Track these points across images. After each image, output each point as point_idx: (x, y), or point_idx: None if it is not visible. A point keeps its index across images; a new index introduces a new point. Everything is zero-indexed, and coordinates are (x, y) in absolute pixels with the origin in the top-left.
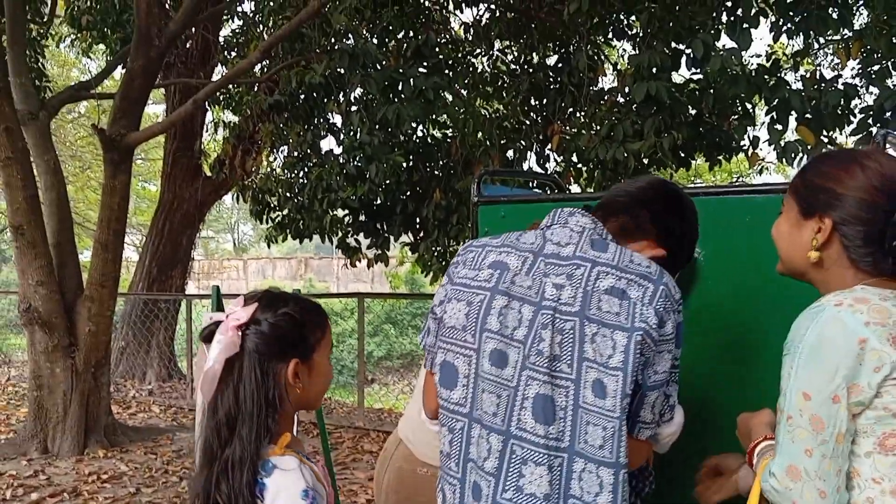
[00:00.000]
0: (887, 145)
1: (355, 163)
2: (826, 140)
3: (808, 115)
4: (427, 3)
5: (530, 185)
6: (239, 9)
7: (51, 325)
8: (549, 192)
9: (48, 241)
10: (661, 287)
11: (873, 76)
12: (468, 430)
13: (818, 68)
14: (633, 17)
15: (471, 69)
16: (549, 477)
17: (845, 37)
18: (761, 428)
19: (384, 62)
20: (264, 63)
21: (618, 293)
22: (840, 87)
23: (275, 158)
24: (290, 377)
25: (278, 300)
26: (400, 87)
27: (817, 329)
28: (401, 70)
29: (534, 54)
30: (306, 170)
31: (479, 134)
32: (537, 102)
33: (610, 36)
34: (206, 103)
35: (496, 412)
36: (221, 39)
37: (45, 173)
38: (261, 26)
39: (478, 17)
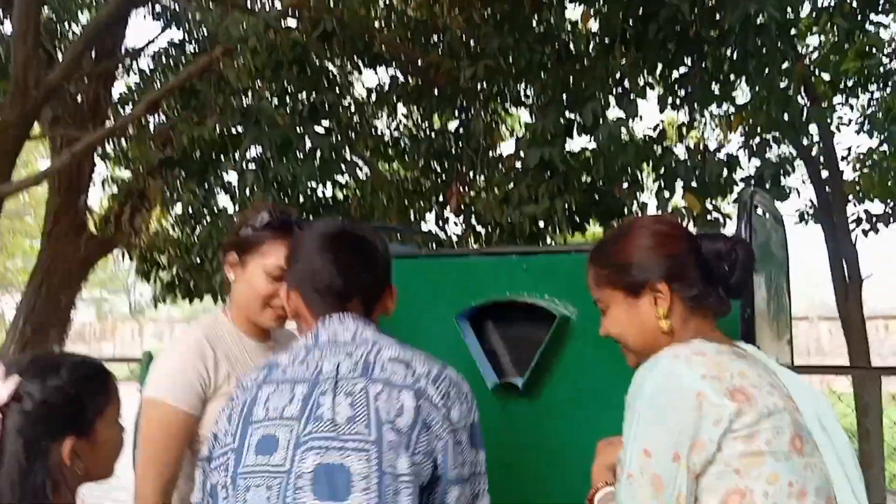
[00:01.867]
0: (755, 205)
1: None
2: (711, 207)
3: (693, 184)
4: (329, 66)
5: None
6: (136, 64)
7: None
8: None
9: None
10: (446, 373)
11: (755, 148)
12: None
13: (702, 140)
14: (528, 86)
15: (373, 131)
16: None
17: (728, 111)
18: (601, 472)
19: (279, 121)
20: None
21: (402, 362)
22: (723, 157)
23: (164, 216)
24: (66, 459)
25: (47, 369)
26: (295, 147)
27: (654, 382)
28: (298, 129)
29: (434, 118)
30: (199, 228)
31: (380, 195)
32: (437, 165)
33: (507, 104)
34: (96, 157)
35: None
36: (117, 95)
37: None
38: (158, 83)
39: (380, 83)
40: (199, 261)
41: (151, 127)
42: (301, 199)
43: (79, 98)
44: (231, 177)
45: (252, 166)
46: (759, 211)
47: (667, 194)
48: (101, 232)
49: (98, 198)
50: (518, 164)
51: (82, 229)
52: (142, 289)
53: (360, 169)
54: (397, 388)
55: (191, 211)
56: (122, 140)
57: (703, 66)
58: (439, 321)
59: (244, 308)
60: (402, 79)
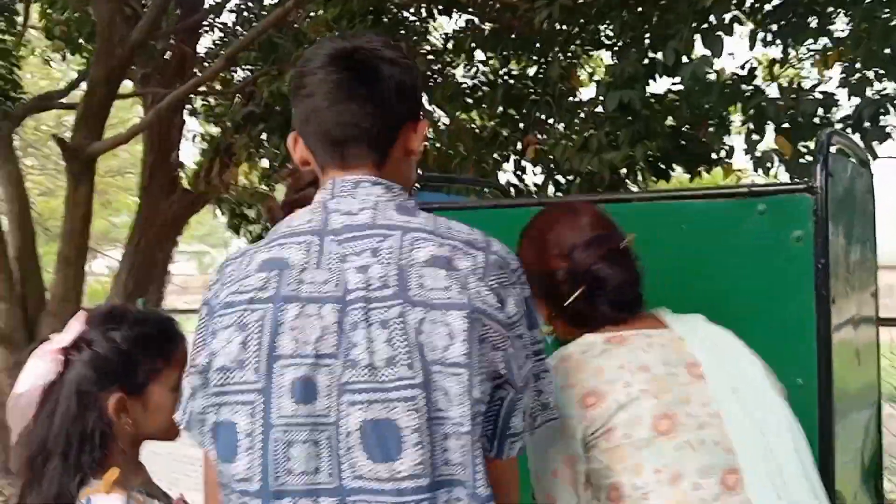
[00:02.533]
0: (831, 146)
1: None
2: (805, 150)
3: (785, 125)
4: (406, 14)
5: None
6: (219, 20)
7: (12, 341)
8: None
9: (9, 255)
10: (491, 257)
11: (854, 86)
12: None
13: (797, 77)
14: (608, 27)
15: (450, 80)
16: None
17: (825, 46)
18: None
19: None
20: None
21: (442, 263)
22: (819, 96)
23: (251, 171)
24: (111, 412)
25: (112, 320)
26: None
27: None
28: None
29: (512, 65)
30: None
31: (460, 146)
32: (515, 112)
33: (587, 46)
34: (187, 114)
35: (319, 467)
36: (203, 51)
37: (6, 185)
38: (241, 37)
39: (456, 29)
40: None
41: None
42: None
43: (166, 55)
44: None
45: None
46: (842, 153)
47: (756, 137)
48: (193, 187)
49: (190, 153)
50: (598, 109)
51: (175, 185)
52: (238, 242)
53: (437, 119)
54: (441, 310)
55: (276, 164)
56: (212, 96)
57: None
58: None
59: None
60: (478, 23)
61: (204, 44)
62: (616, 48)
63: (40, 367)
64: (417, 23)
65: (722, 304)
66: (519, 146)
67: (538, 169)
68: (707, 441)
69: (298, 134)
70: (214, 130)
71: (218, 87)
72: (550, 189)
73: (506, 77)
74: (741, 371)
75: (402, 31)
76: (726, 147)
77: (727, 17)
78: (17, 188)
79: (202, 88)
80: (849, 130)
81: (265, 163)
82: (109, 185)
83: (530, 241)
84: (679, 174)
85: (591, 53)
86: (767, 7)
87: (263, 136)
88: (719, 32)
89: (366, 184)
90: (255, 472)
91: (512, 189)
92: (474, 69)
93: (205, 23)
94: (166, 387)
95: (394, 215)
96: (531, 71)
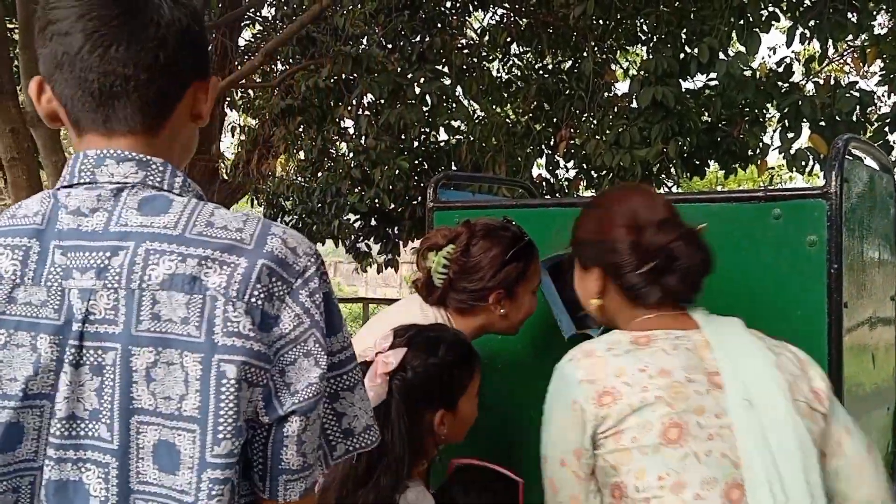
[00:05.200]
0: (850, 150)
1: (363, 167)
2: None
3: (821, 123)
4: (442, 8)
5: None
6: (259, 15)
7: None
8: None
9: None
10: (260, 262)
11: (893, 81)
12: None
13: (833, 74)
14: (644, 22)
15: (485, 73)
16: None
17: (864, 42)
18: None
19: (389, 66)
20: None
21: (183, 284)
22: (856, 93)
23: (288, 163)
24: (437, 428)
25: (430, 345)
26: (405, 92)
27: (552, 385)
28: (408, 74)
29: (546, 59)
30: (319, 174)
31: (493, 140)
32: (548, 107)
33: (622, 41)
34: (225, 107)
35: None
36: (243, 44)
37: (52, 175)
38: (280, 31)
39: (492, 23)
40: (319, 206)
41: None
42: (415, 145)
43: (209, 48)
44: (348, 123)
45: (366, 113)
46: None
47: (791, 135)
48: (232, 178)
49: (229, 145)
50: (632, 105)
51: (215, 175)
52: None
53: (473, 113)
54: (177, 350)
55: (312, 157)
56: (249, 89)
57: None
58: None
59: (505, 329)
60: (513, 18)
61: (244, 37)
62: (651, 44)
63: (371, 391)
64: (454, 17)
65: (736, 307)
66: (552, 141)
67: (570, 164)
68: (714, 453)
69: (45, 80)
70: (253, 122)
71: (257, 80)
72: (582, 185)
73: (540, 71)
74: (761, 385)
75: (439, 25)
76: (761, 144)
77: (764, 13)
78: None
79: (242, 81)
80: (887, 129)
81: (302, 155)
82: None
83: (595, 212)
84: (713, 171)
85: (626, 49)
86: (807, 2)
87: (300, 128)
88: (756, 29)
89: (110, 161)
90: None
91: (543, 184)
92: (509, 63)
93: (245, 16)
94: (471, 397)
95: (131, 217)
96: (566, 66)
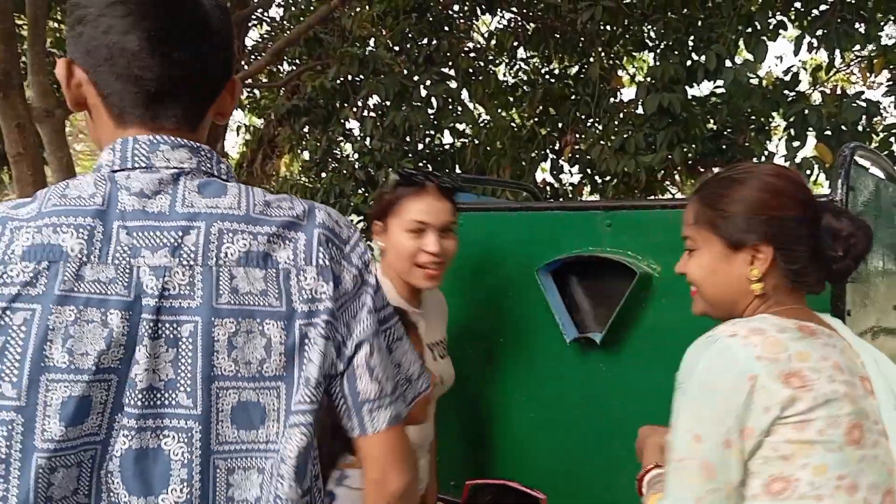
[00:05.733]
0: (856, 159)
1: (367, 168)
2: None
3: (826, 132)
4: (450, 12)
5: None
6: (267, 15)
7: None
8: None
9: None
10: (316, 231)
11: None
12: None
13: (840, 84)
14: (651, 28)
15: (491, 77)
16: None
17: (871, 52)
18: (654, 452)
19: (395, 68)
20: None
21: (258, 260)
22: (863, 103)
23: (293, 163)
24: None
25: None
26: (411, 94)
27: (707, 362)
28: (415, 77)
29: (553, 64)
30: (324, 175)
31: (498, 143)
32: (553, 112)
33: (630, 47)
34: None
35: (77, 489)
36: (249, 44)
37: (57, 171)
38: (288, 32)
39: (499, 27)
40: None
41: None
42: (420, 147)
43: None
44: (353, 125)
45: (371, 114)
46: (864, 164)
47: (797, 143)
48: (237, 176)
49: (234, 144)
50: (637, 111)
51: None
52: None
53: (478, 116)
54: (257, 319)
55: (316, 158)
56: (256, 90)
57: (845, 2)
58: (521, 274)
59: (398, 272)
60: (521, 22)
61: (252, 37)
62: (658, 50)
63: None
64: (461, 20)
65: None
66: (556, 146)
67: (575, 169)
68: (879, 458)
69: (80, 65)
70: (258, 122)
71: (264, 80)
72: (586, 189)
73: (546, 76)
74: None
75: (446, 28)
76: (766, 152)
77: (772, 21)
78: (67, 174)
79: (248, 81)
80: (893, 139)
81: (306, 155)
82: None
83: (757, 185)
84: None
85: (633, 55)
86: (815, 12)
87: (306, 129)
88: (763, 37)
89: (165, 146)
90: (10, 502)
91: (547, 188)
92: (515, 67)
93: (253, 16)
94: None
95: (196, 199)
96: (572, 71)
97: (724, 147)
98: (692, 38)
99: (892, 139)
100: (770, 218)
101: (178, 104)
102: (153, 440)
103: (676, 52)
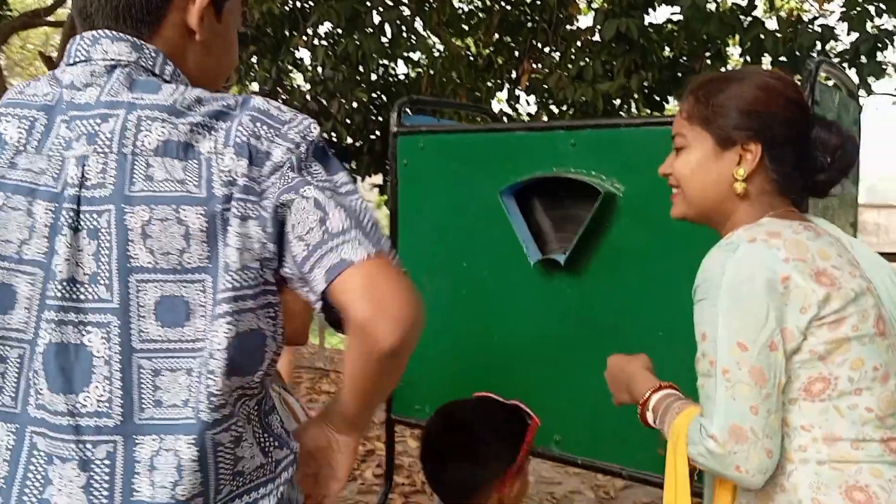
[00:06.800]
0: (820, 75)
1: (319, 99)
2: (799, 83)
3: (782, 58)
4: None
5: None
6: None
7: None
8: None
9: None
10: (245, 116)
11: (853, 18)
12: None
13: (799, 9)
14: None
15: (446, 4)
16: (85, 479)
17: None
18: (645, 377)
19: None
20: None
21: (177, 151)
22: (816, 28)
23: (242, 93)
24: None
25: None
26: (363, 20)
27: (734, 268)
28: (367, 2)
29: None
30: None
31: (454, 73)
32: (510, 40)
33: None
34: None
35: (2, 388)
36: None
37: None
38: None
39: None
40: None
41: None
42: (373, 77)
43: None
44: (303, 54)
45: (323, 42)
46: (831, 83)
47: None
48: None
49: None
50: (595, 38)
51: None
52: None
53: (433, 45)
54: (172, 206)
55: (266, 88)
56: None
57: None
58: (483, 196)
59: None
60: None
61: None
62: None
63: None
64: None
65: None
66: (514, 75)
67: (532, 98)
68: (894, 345)
69: None
70: None
71: None
72: (544, 118)
73: (503, 2)
74: (887, 276)
75: None
76: None
77: None
78: None
79: None
80: (845, 65)
81: (255, 86)
82: None
83: (754, 83)
84: (673, 106)
85: None
86: None
87: (254, 58)
88: None
89: (105, 40)
90: None
91: (504, 119)
92: None
93: None
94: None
95: (122, 91)
96: None
97: (679, 75)
98: None
99: (844, 65)
100: (763, 114)
101: (111, 23)
102: (74, 335)
103: None
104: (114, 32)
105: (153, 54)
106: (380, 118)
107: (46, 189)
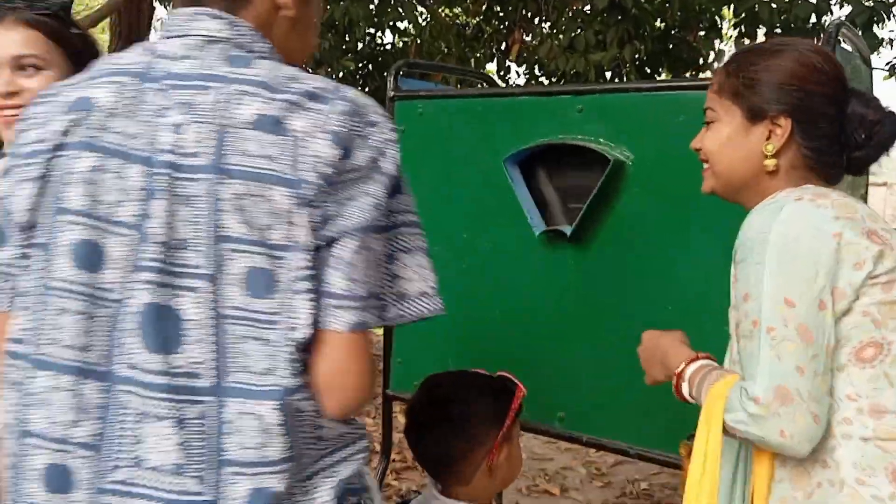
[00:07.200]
0: (840, 39)
1: (305, 68)
2: None
3: (776, 30)
4: None
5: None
6: None
7: None
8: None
9: None
10: (339, 104)
11: None
12: (30, 380)
13: None
14: None
15: None
16: (180, 437)
17: None
18: (682, 348)
19: None
20: None
21: (269, 125)
22: (812, 0)
23: None
24: None
25: None
26: None
27: (781, 227)
28: None
29: None
30: None
31: (442, 42)
32: (500, 9)
33: None
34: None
35: (86, 344)
36: None
37: None
38: None
39: None
40: None
41: None
42: (359, 46)
43: None
44: None
45: None
46: (846, 45)
47: (747, 41)
48: None
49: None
50: (587, 8)
51: None
52: None
53: (420, 14)
54: (264, 183)
55: None
56: None
57: None
58: (487, 165)
59: None
60: None
61: None
62: None
63: None
64: None
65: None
66: (504, 45)
67: (522, 69)
68: None
69: None
70: None
71: None
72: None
73: None
74: None
75: None
76: (715, 51)
77: None
78: None
79: None
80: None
81: None
82: None
83: (793, 57)
84: (665, 77)
85: None
86: None
87: None
88: None
89: (203, 17)
90: (28, 335)
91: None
92: None
93: None
94: None
95: (219, 65)
96: None
97: (671, 46)
98: None
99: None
100: (798, 90)
101: None
102: (169, 298)
103: None
104: (211, 10)
105: (250, 31)
106: (367, 88)
107: (138, 153)
